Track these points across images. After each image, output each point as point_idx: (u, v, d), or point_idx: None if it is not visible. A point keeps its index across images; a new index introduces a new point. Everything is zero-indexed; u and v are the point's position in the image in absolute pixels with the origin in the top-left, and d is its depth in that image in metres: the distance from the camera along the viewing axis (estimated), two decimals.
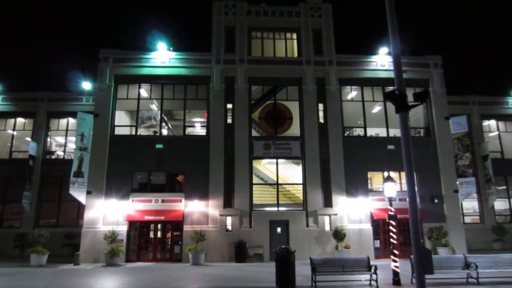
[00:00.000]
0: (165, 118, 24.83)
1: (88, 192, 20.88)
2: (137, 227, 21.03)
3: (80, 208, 22.44)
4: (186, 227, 20.68)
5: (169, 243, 21.33)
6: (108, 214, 20.64)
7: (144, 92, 23.40)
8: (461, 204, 24.46)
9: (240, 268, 17.73)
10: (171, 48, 23.25)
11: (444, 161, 22.92)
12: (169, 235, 21.49)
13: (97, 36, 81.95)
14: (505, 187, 27.68)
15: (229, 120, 22.60)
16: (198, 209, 21.03)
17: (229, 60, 23.13)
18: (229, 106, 22.77)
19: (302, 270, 13.14)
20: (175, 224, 21.12)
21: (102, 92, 22.32)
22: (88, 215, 20.63)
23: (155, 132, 24.14)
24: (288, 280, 12.20)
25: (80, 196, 21.04)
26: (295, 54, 24.14)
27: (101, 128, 21.76)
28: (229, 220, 21.05)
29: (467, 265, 12.96)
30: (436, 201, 22.11)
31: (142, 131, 24.29)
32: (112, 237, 19.69)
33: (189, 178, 21.70)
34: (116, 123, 22.48)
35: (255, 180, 22.78)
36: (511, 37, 74.53)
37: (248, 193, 21.57)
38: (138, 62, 22.81)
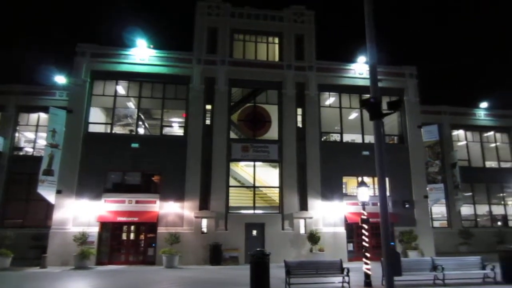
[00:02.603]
0: (142, 116, 24.48)
1: (58, 191, 20.18)
2: (110, 229, 20.58)
3: (49, 208, 21.47)
4: (161, 229, 20.41)
5: (143, 245, 20.98)
6: (79, 214, 20.07)
7: (121, 89, 23.00)
8: (431, 209, 25.32)
9: (215, 271, 17.67)
10: (151, 46, 22.97)
11: (415, 168, 23.71)
12: (142, 237, 21.14)
13: (76, 30, 79.92)
14: (471, 193, 28.81)
15: (208, 121, 22.53)
16: (173, 211, 20.82)
17: (210, 60, 23.09)
18: (208, 107, 22.71)
19: (277, 273, 13.24)
20: (149, 225, 20.81)
21: (77, 87, 21.76)
22: (58, 215, 19.97)
23: (131, 130, 23.73)
24: (263, 283, 12.23)
25: (49, 195, 20.27)
26: (276, 58, 24.37)
27: (74, 124, 21.19)
28: (204, 222, 20.94)
29: (434, 268, 13.45)
30: (407, 206, 22.85)
31: (117, 129, 23.82)
32: (82, 238, 19.13)
33: (164, 179, 21.47)
34: (90, 120, 21.97)
35: (232, 182, 22.79)
36: (483, 51, 77.76)
37: (224, 195, 21.55)
38: (116, 58, 22.39)
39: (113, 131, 22.59)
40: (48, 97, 24.97)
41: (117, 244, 20.70)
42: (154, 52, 22.73)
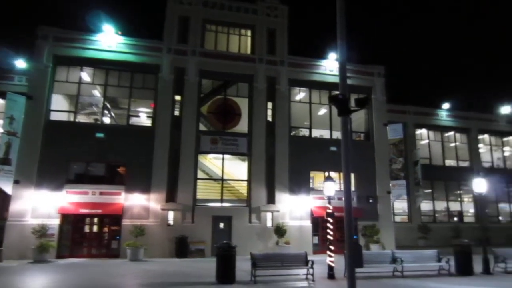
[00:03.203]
0: (108, 105, 23.69)
1: (16, 182, 19.14)
2: (71, 221, 19.87)
3: (5, 199, 20.47)
4: (125, 221, 19.96)
5: (106, 238, 20.44)
6: (39, 206, 19.21)
7: (86, 76, 22.13)
8: (393, 204, 26.25)
9: (181, 264, 17.52)
10: (119, 32, 22.19)
11: (380, 164, 24.48)
12: (106, 229, 20.60)
13: (38, 11, 75.97)
14: (431, 190, 30.12)
15: (177, 112, 22.16)
16: (139, 203, 20.39)
17: (181, 50, 22.65)
18: (178, 98, 22.32)
19: (243, 265, 13.30)
20: (114, 218, 20.28)
21: (38, 72, 20.70)
22: (15, 207, 19.01)
23: (96, 119, 22.95)
24: (228, 275, 12.29)
25: (6, 185, 19.13)
26: (248, 51, 24.26)
27: (34, 111, 20.19)
28: (171, 214, 20.67)
29: (394, 260, 14.01)
30: (371, 201, 23.60)
31: (82, 118, 22.95)
32: (42, 231, 18.31)
33: (130, 170, 20.96)
34: (52, 107, 21.02)
35: (200, 174, 22.60)
36: (449, 55, 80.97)
37: (192, 187, 21.35)
38: (81, 43, 21.46)
39: (76, 120, 21.76)
40: (6, 81, 23.49)
41: (79, 236, 20.04)
42: (122, 39, 22.00)
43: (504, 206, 32.00)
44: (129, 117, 22.32)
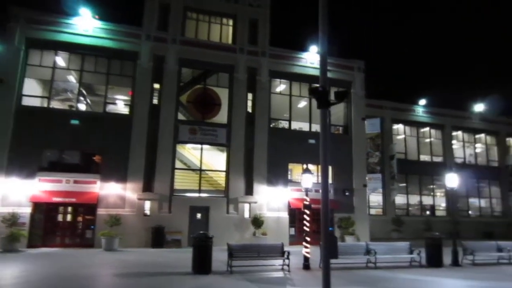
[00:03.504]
0: (84, 92, 22.99)
1: None
2: (44, 210, 19.30)
3: None
4: (100, 211, 19.58)
5: (81, 227, 20.02)
6: (9, 194, 18.55)
7: (61, 61, 21.38)
8: (368, 197, 26.79)
9: (157, 254, 17.37)
10: (96, 17, 21.49)
11: (357, 158, 24.87)
12: (80, 218, 20.18)
13: None
14: (405, 184, 30.90)
15: (155, 101, 21.78)
16: (114, 192, 20.02)
17: (161, 38, 22.17)
18: (157, 86, 21.91)
19: (220, 256, 13.29)
20: (88, 207, 19.85)
21: (9, 54, 19.77)
22: None
23: (71, 106, 22.26)
24: (205, 266, 12.27)
25: None
26: (230, 41, 24.00)
27: (5, 96, 19.35)
28: (148, 204, 20.42)
29: (368, 252, 14.33)
30: (347, 193, 24.00)
31: (56, 104, 22.20)
32: (12, 219, 17.66)
33: (106, 158, 20.52)
34: (24, 92, 20.22)
35: (178, 164, 22.36)
36: (429, 52, 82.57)
37: (169, 177, 21.12)
38: (56, 26, 20.65)
39: (50, 106, 21.05)
40: None
41: (52, 226, 19.52)
42: (99, 24, 21.32)
43: (474, 201, 33.21)
44: (105, 105, 21.77)
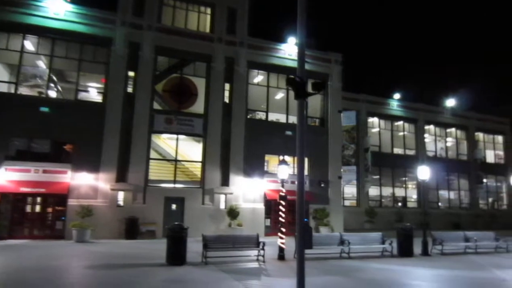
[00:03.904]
0: (54, 78, 22.12)
1: None
2: (11, 200, 18.56)
3: None
4: (72, 201, 19.01)
5: (50, 218, 19.39)
6: None
7: (29, 45, 20.43)
8: (343, 189, 27.22)
9: (130, 245, 17.08)
10: (69, 0, 20.63)
11: (333, 150, 25.16)
12: (50, 209, 19.51)
13: None
14: (379, 176, 31.57)
15: (130, 89, 21.23)
16: (86, 182, 19.48)
17: (136, 24, 21.52)
18: (131, 74, 21.34)
19: (195, 247, 13.18)
20: (59, 197, 19.23)
21: None
22: None
23: (40, 93, 21.37)
24: (179, 257, 12.14)
25: None
26: (207, 30, 23.60)
27: None
28: (121, 195, 20.00)
29: (342, 242, 14.57)
30: (322, 185, 24.30)
31: (24, 90, 21.25)
32: None
33: (78, 148, 19.88)
34: None
35: (153, 154, 21.96)
36: (404, 47, 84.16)
37: (144, 167, 20.73)
38: (24, 8, 19.65)
39: (18, 92, 20.12)
40: None
41: (20, 217, 18.83)
42: (71, 7, 20.46)
43: (443, 193, 34.35)
44: (77, 92, 21.04)
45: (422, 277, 11.27)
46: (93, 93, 22.71)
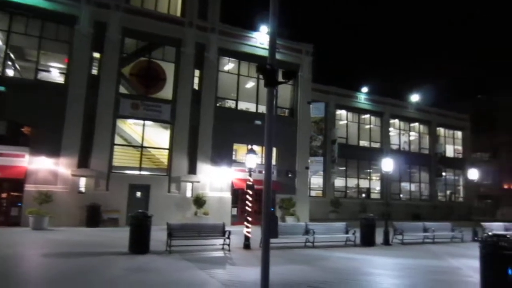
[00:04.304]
0: (12, 55, 20.80)
1: None
2: None
3: None
4: (29, 187, 18.11)
5: (5, 204, 18.41)
6: None
7: None
8: (310, 179, 27.61)
9: (91, 233, 16.53)
10: None
11: (301, 141, 25.38)
12: (5, 195, 18.51)
13: None
14: (345, 168, 32.26)
15: (95, 71, 20.37)
16: (46, 167, 18.60)
17: (103, 3, 20.54)
18: (96, 55, 20.47)
19: (159, 235, 12.92)
20: (15, 182, 18.25)
21: None
22: None
23: None
24: (142, 245, 11.86)
25: None
26: (178, 13, 22.96)
27: None
28: (82, 181, 19.28)
29: (307, 231, 14.75)
30: (290, 175, 24.51)
31: None
32: None
33: (37, 130, 18.91)
34: None
35: (118, 140, 21.26)
36: (373, 42, 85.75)
37: (108, 153, 20.07)
38: None
39: None
40: None
41: None
42: None
43: (405, 185, 35.66)
44: (37, 71, 19.94)
45: (383, 265, 11.61)
46: (55, 73, 21.57)
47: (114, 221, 19.18)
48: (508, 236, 8.78)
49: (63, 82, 20.03)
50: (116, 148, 20.70)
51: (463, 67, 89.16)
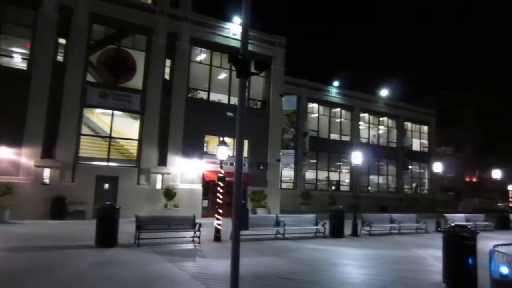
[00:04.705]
0: None
1: None
2: None
3: None
4: None
5: None
6: None
7: None
8: (281, 172, 27.80)
9: (56, 226, 15.95)
10: None
11: (273, 133, 25.45)
12: None
13: None
14: (315, 160, 32.72)
15: (60, 58, 19.51)
16: (6, 157, 17.72)
17: None
18: (62, 41, 19.60)
19: (128, 228, 12.63)
20: None
21: None
22: None
23: None
24: (110, 238, 11.57)
25: None
26: (149, 1, 22.29)
27: None
28: (47, 172, 18.54)
29: (277, 223, 14.87)
30: (261, 167, 24.57)
31: None
32: None
33: None
34: None
35: (85, 130, 20.53)
36: (345, 36, 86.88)
37: (74, 144, 19.36)
38: None
39: None
40: None
41: None
42: None
43: (373, 178, 36.62)
44: None
45: (351, 256, 11.88)
46: (16, 59, 20.45)
47: (80, 213, 18.58)
48: (469, 227, 9.19)
49: (25, 68, 19.05)
50: (83, 138, 20.00)
51: (430, 62, 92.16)
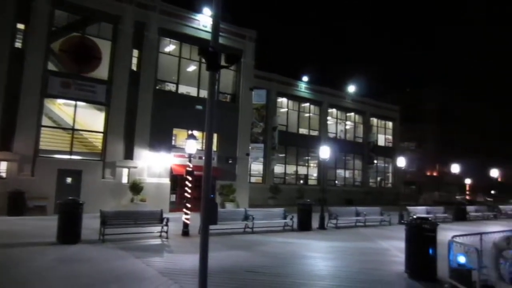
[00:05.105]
0: None
1: None
2: None
3: None
4: None
5: None
6: None
7: None
8: (250, 166, 27.83)
9: (15, 222, 15.17)
10: None
11: (242, 127, 25.37)
12: None
13: None
14: (284, 155, 33.01)
15: (19, 44, 18.49)
16: None
17: None
18: (21, 26, 18.55)
19: (92, 223, 12.22)
20: None
21: None
22: None
23: None
24: (72, 234, 11.14)
25: None
26: None
27: None
28: (3, 165, 17.62)
29: (246, 217, 14.90)
30: (230, 161, 24.47)
31: None
32: None
33: None
34: None
35: (46, 122, 19.60)
36: (316, 32, 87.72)
37: (34, 136, 18.45)
38: None
39: None
40: None
41: None
42: None
43: (340, 172, 37.46)
44: None
45: (318, 249, 12.09)
46: None
47: (41, 209, 17.78)
48: (429, 219, 9.57)
49: None
50: (43, 130, 19.09)
51: (396, 60, 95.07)
